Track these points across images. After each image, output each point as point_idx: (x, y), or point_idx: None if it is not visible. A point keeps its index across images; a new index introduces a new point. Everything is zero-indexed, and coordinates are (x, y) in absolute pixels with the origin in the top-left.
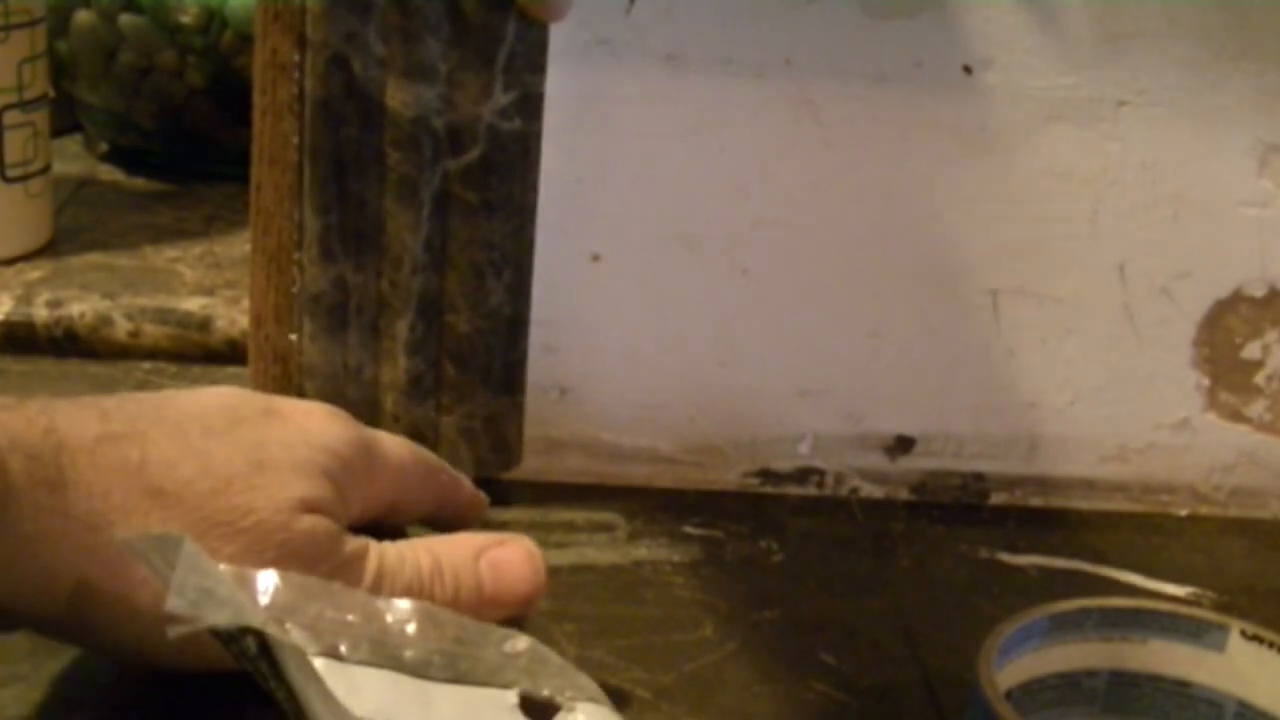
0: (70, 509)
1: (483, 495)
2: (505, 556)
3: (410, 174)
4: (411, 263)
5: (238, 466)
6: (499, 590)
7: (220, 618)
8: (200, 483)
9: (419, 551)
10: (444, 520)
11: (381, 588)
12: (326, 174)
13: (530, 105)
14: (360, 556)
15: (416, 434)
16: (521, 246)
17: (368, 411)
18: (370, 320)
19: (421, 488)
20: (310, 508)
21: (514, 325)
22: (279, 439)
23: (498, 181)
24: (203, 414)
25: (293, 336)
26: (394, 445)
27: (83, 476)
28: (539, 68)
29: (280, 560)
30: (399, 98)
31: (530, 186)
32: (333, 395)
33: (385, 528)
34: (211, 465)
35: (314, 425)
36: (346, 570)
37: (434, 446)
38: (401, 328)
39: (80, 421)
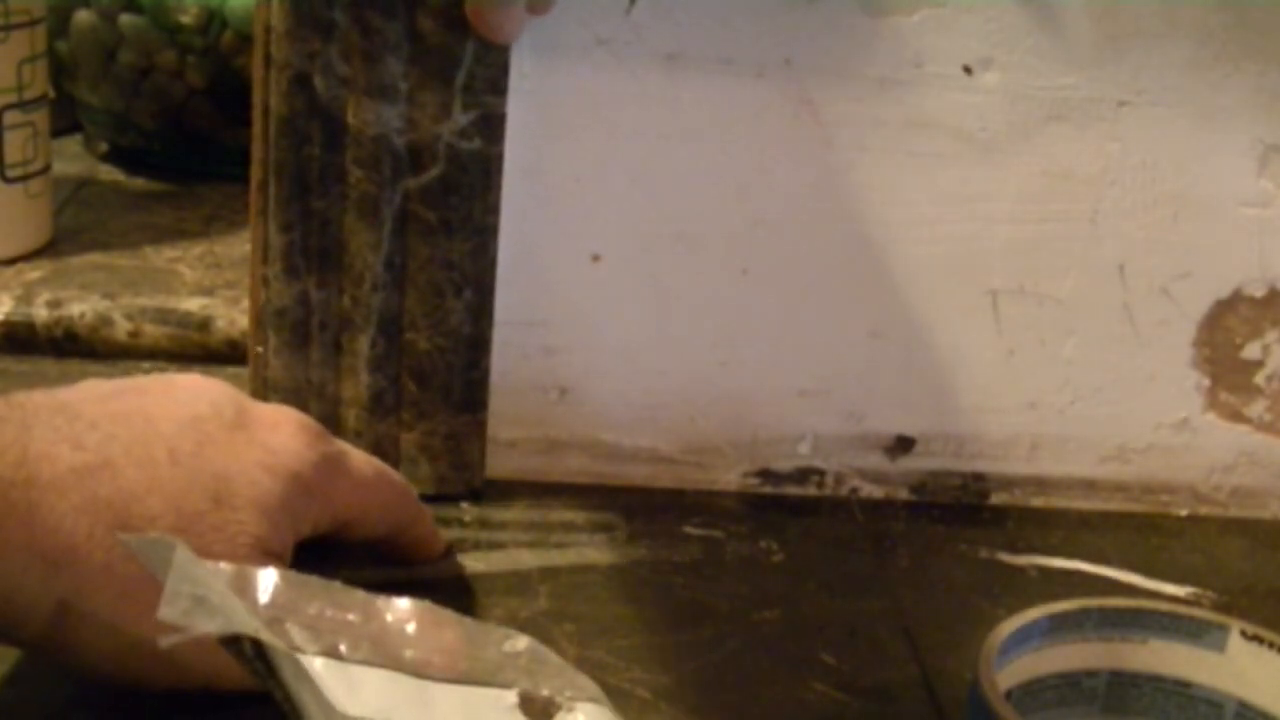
0: (35, 544)
1: (443, 538)
2: None
3: (371, 192)
4: (373, 280)
5: (199, 503)
6: None
7: (211, 626)
8: (164, 519)
9: None
10: (398, 548)
11: None
12: (290, 191)
13: (490, 126)
14: None
15: (378, 450)
16: (482, 266)
17: (330, 427)
18: (333, 336)
19: (380, 509)
20: (267, 548)
21: (474, 345)
22: (240, 469)
23: (457, 201)
24: (174, 433)
25: (259, 350)
26: (360, 463)
27: (51, 511)
28: (500, 89)
29: None
30: (361, 116)
31: (491, 207)
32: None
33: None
34: (175, 500)
35: (280, 443)
36: None
37: (395, 463)
38: (363, 344)
39: (52, 455)
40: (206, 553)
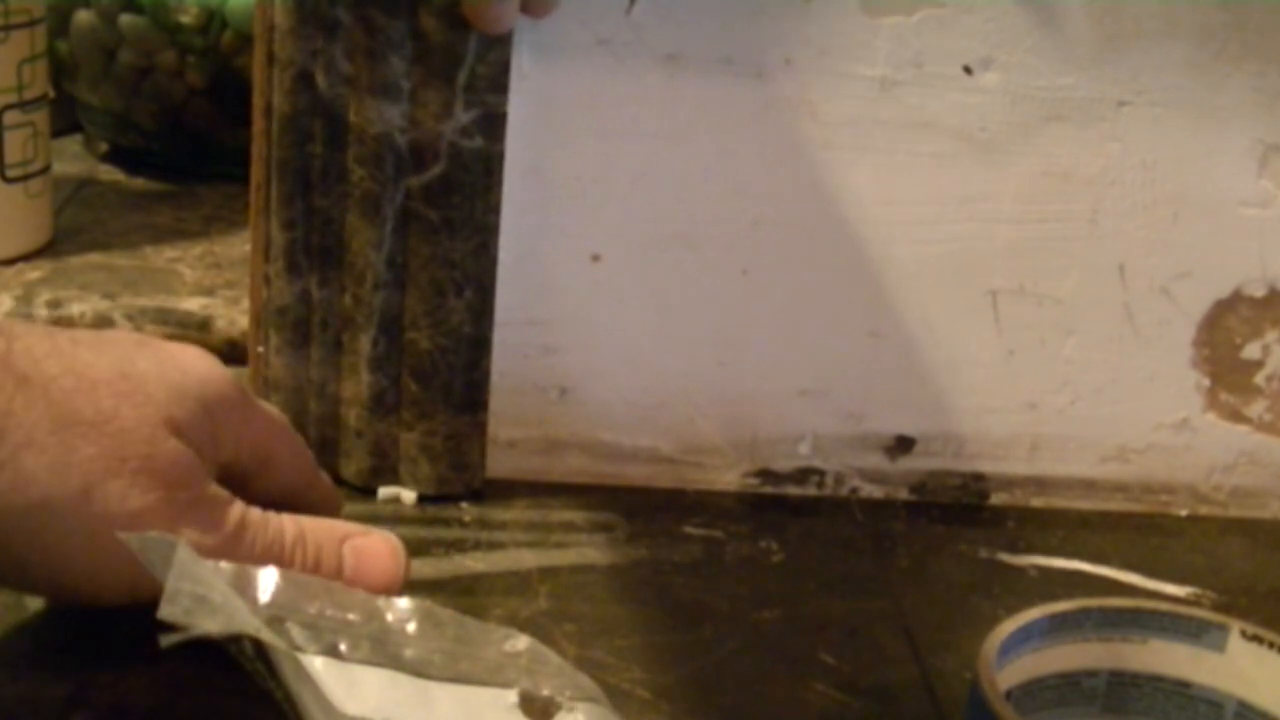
0: None
1: (339, 494)
2: (369, 545)
3: (373, 190)
4: (374, 279)
5: (104, 373)
6: (358, 575)
7: (213, 625)
8: (65, 380)
9: (285, 520)
10: (302, 506)
11: (242, 540)
12: (292, 189)
13: (492, 124)
14: (224, 502)
15: (378, 450)
16: (483, 265)
17: (330, 426)
18: (334, 335)
19: (293, 447)
20: (178, 429)
21: (475, 345)
22: (150, 357)
23: (459, 200)
24: (73, 332)
25: (259, 349)
26: (271, 408)
27: None
28: (501, 88)
29: (140, 475)
30: (363, 114)
31: (492, 206)
32: (296, 409)
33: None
34: (78, 367)
35: (188, 357)
36: (208, 508)
37: (395, 463)
38: (364, 343)
39: None
40: (114, 417)
